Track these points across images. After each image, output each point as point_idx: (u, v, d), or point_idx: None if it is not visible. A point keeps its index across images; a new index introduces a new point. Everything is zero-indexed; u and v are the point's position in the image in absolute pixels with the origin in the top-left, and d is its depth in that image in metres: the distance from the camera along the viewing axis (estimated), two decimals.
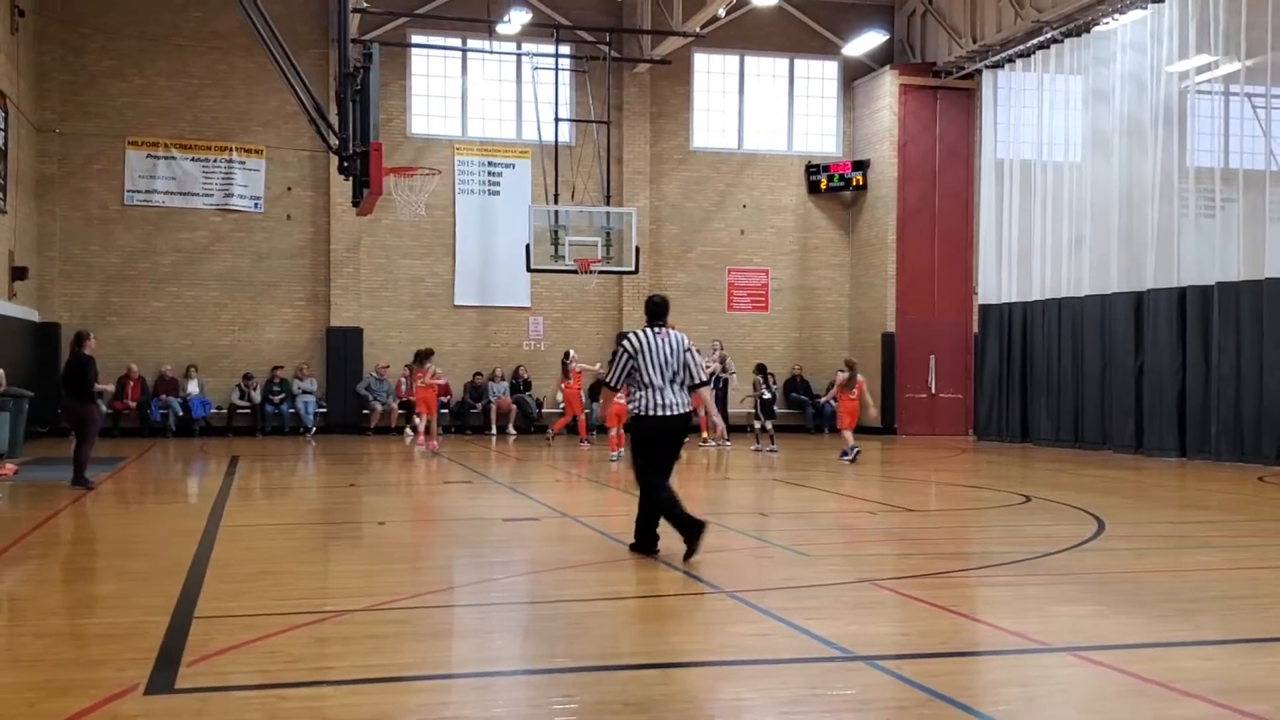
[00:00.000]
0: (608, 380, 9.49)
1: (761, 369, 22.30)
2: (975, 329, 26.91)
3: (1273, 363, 18.74)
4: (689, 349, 9.21)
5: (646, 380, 9.03)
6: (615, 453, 19.06)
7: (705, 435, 21.95)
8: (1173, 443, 20.64)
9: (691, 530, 8.80)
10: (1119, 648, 6.26)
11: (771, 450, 21.25)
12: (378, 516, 11.79)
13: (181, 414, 24.65)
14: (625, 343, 9.28)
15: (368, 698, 5.30)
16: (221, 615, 6.89)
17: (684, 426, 9.17)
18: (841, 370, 20.69)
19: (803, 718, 5.11)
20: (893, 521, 12.04)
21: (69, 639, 6.50)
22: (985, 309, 26.17)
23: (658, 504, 9.06)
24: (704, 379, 9.41)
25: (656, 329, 9.20)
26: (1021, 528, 11.57)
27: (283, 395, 25.35)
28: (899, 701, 5.31)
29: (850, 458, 19.10)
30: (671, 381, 9.04)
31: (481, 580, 8.50)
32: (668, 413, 9.01)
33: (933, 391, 27.47)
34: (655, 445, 9.09)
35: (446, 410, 26.06)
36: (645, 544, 9.19)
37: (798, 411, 27.67)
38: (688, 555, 8.76)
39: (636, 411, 9.13)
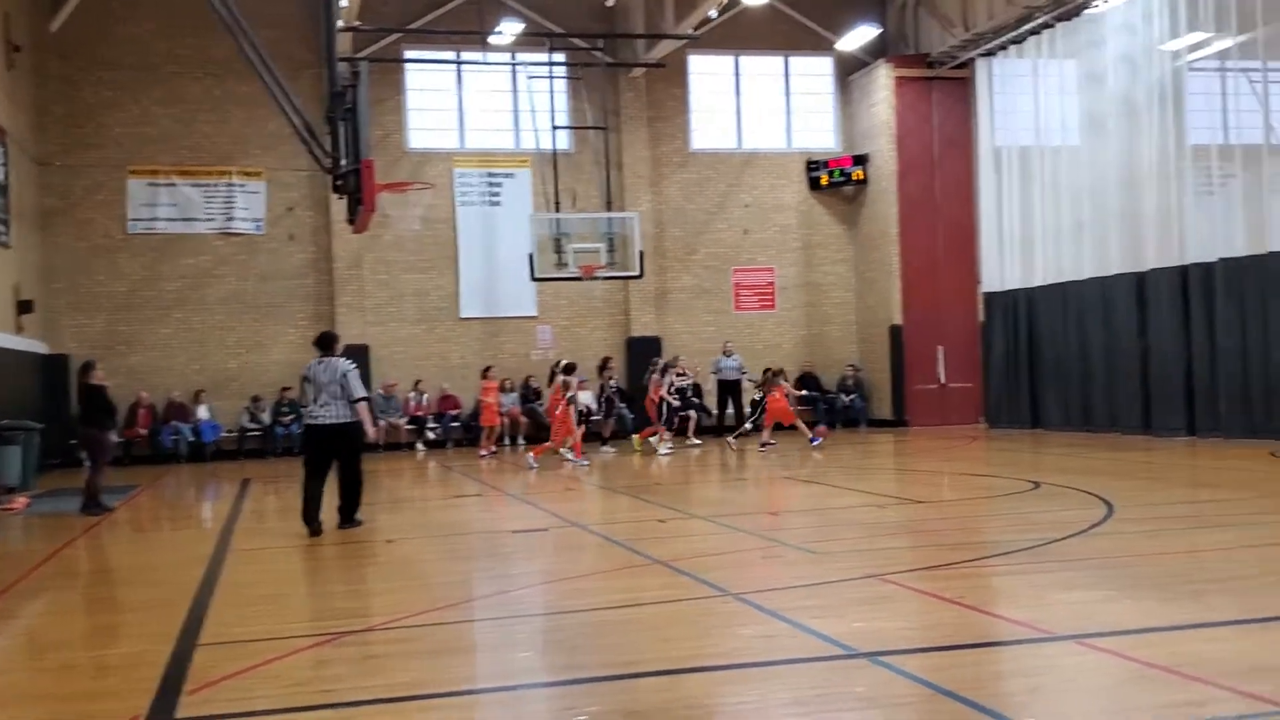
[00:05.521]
0: (299, 400, 12.67)
1: (569, 368, 20.34)
2: (981, 317, 26.84)
3: (1278, 336, 18.66)
4: (345, 373, 11.81)
5: (308, 400, 11.92)
6: (581, 459, 19.90)
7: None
8: (1181, 422, 20.54)
9: (309, 525, 11.72)
10: (1126, 633, 6.21)
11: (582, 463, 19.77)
12: (387, 534, 11.80)
13: (193, 439, 24.69)
14: (304, 371, 12.12)
15: (368, 719, 5.28)
16: (226, 641, 6.89)
17: (332, 431, 11.79)
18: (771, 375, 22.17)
19: (806, 719, 5.10)
20: (902, 514, 12.02)
21: (77, 671, 6.50)
22: (990, 296, 26.10)
23: (304, 494, 11.85)
24: (362, 395, 11.96)
25: (321, 360, 11.95)
26: (1030, 514, 11.54)
27: (292, 416, 25.33)
28: (902, 698, 5.28)
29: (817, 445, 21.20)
30: (326, 398, 11.76)
31: (489, 594, 8.50)
32: (317, 421, 11.83)
33: (942, 382, 27.38)
34: (310, 444, 12.06)
35: (458, 424, 26.12)
36: (308, 525, 11.82)
37: (808, 408, 27.58)
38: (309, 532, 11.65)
39: (305, 421, 12.18)
